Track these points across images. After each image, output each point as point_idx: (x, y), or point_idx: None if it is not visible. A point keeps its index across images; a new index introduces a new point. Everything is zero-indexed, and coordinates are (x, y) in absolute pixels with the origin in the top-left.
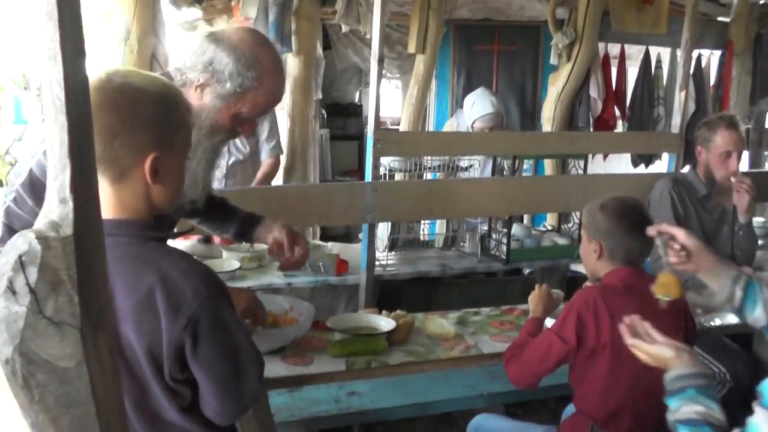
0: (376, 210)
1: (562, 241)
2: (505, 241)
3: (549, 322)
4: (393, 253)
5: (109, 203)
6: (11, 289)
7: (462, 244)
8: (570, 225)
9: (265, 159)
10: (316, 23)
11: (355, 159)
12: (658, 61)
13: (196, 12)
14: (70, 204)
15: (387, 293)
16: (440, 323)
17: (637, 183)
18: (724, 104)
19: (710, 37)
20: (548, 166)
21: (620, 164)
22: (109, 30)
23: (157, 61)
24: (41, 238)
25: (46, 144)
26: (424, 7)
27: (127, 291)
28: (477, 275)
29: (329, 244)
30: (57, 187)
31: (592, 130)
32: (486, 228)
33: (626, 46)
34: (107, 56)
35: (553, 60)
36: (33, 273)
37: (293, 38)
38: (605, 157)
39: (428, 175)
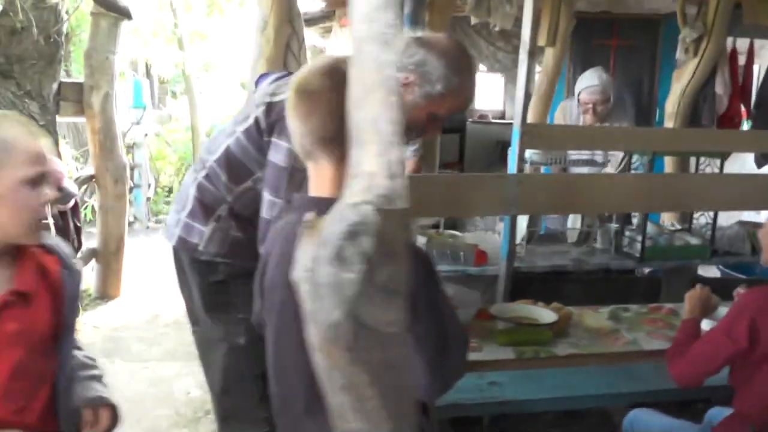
0: (521, 202)
1: (694, 240)
2: (639, 238)
3: (705, 325)
4: (529, 245)
5: (329, 182)
6: (340, 257)
7: (594, 240)
8: (702, 224)
9: (409, 158)
10: (447, 16)
11: (457, 151)
12: None
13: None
14: (400, 180)
15: (517, 286)
16: (597, 317)
17: None
18: None
19: None
20: (668, 164)
21: (737, 164)
22: (247, 19)
23: (292, 51)
24: (378, 210)
25: (354, 122)
26: None
27: None
28: (597, 272)
29: (466, 234)
30: (383, 163)
31: (715, 127)
32: (618, 225)
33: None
34: (245, 46)
35: (679, 55)
36: (367, 242)
37: (426, 31)
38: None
39: (572, 170)
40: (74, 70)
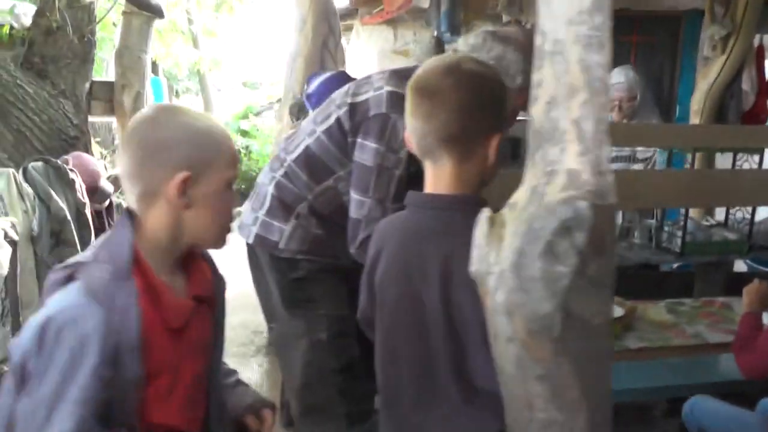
0: None
1: (731, 236)
2: (679, 233)
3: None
4: None
5: (449, 180)
6: (552, 251)
7: (633, 235)
8: (740, 219)
9: None
10: (482, 14)
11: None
12: None
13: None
14: (608, 176)
15: None
16: (657, 311)
17: None
18: None
19: None
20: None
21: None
22: (285, 19)
23: (328, 50)
24: (591, 205)
25: (549, 121)
26: None
27: (467, 261)
28: (633, 268)
29: None
30: (589, 161)
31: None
32: (657, 220)
33: None
34: (283, 45)
35: (706, 52)
36: (580, 237)
37: (463, 29)
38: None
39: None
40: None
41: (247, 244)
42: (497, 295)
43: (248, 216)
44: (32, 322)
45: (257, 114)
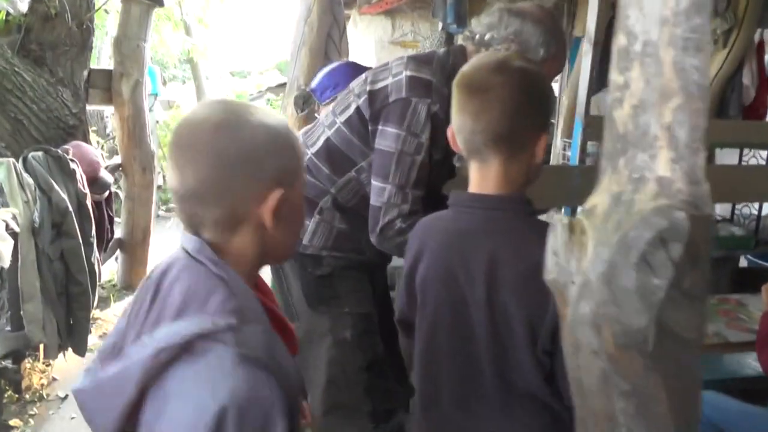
0: (582, 194)
1: (738, 231)
2: None
3: None
4: None
5: (496, 179)
6: (647, 263)
7: None
8: (747, 215)
9: None
10: (489, 4)
11: None
12: None
13: None
14: (704, 186)
15: None
16: None
17: None
18: None
19: None
20: None
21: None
22: (290, 8)
23: (333, 40)
24: (688, 216)
25: (638, 126)
26: None
27: (512, 261)
28: None
29: None
30: (683, 168)
31: (741, 118)
32: None
33: None
34: (288, 35)
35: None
36: (677, 248)
37: (468, 20)
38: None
39: None
40: None
41: None
42: (581, 306)
43: None
44: (182, 421)
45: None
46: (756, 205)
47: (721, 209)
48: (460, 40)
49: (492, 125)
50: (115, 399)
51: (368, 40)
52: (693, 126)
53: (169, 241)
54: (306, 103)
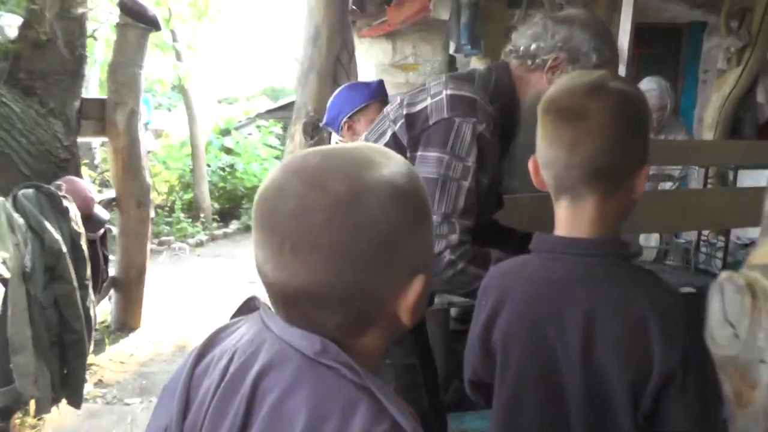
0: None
1: None
2: (719, 255)
3: None
4: None
5: (591, 219)
6: None
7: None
8: None
9: None
10: (503, 26)
11: None
12: None
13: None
14: None
15: None
16: None
17: None
18: None
19: None
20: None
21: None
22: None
23: (341, 63)
24: None
25: None
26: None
27: (612, 316)
28: None
29: None
30: None
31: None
32: (693, 241)
33: None
34: (297, 57)
35: (720, 64)
36: None
37: (482, 42)
38: None
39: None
40: None
41: None
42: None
43: None
44: None
45: (237, 129)
46: None
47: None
48: (473, 63)
49: (591, 159)
50: None
51: (368, 64)
52: None
53: (163, 276)
54: (315, 130)
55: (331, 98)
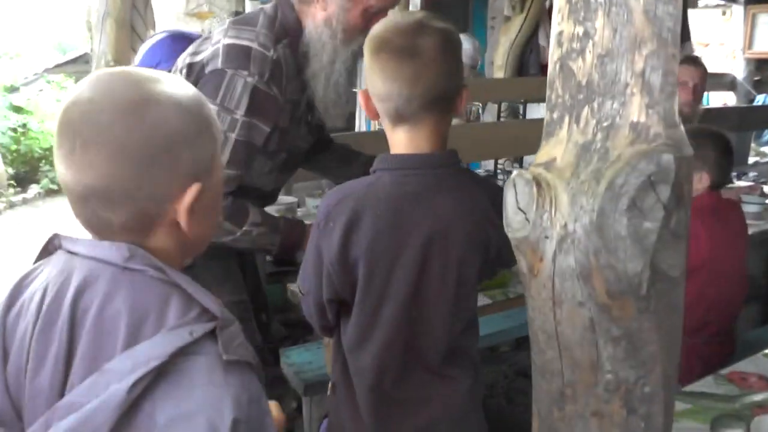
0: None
1: None
2: None
3: None
4: None
5: (430, 139)
6: (638, 207)
7: None
8: None
9: None
10: None
11: None
12: None
13: None
14: (680, 128)
15: None
16: None
17: None
18: None
19: None
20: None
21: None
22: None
23: (137, 10)
24: (675, 158)
25: (607, 74)
26: None
27: (466, 215)
28: None
29: None
30: (658, 113)
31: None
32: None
33: None
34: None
35: (507, 11)
36: (665, 190)
37: None
38: None
39: None
40: None
41: None
42: (562, 259)
43: None
44: None
45: (25, 86)
46: None
47: None
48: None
49: (430, 89)
50: None
51: (164, 14)
52: (666, 71)
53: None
54: None
55: (148, 45)
